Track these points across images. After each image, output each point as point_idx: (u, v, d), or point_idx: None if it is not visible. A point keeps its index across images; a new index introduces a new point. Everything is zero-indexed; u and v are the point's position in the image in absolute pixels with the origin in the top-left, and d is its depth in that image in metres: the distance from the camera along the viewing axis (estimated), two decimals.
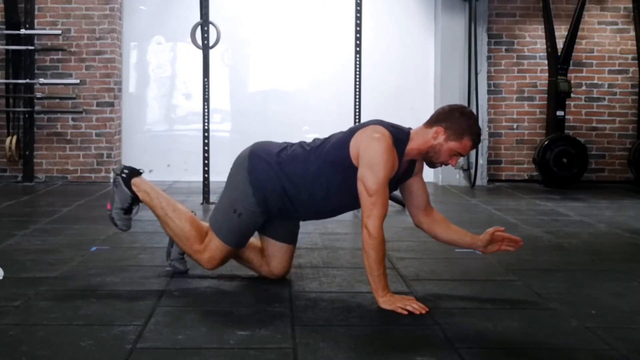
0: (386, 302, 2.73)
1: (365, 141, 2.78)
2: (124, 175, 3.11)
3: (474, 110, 7.06)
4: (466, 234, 3.02)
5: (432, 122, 2.85)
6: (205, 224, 3.11)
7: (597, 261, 3.71)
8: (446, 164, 2.88)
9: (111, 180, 3.14)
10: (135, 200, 3.12)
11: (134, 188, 3.10)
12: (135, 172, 3.13)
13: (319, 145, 2.94)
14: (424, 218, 3.03)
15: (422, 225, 3.04)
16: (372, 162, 2.74)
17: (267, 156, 2.96)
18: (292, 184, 2.92)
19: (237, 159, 3.07)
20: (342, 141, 2.87)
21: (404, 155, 2.84)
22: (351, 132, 2.88)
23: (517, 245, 2.96)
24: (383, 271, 2.75)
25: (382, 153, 2.73)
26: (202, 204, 5.53)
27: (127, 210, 3.13)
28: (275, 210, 3.00)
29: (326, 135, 3.02)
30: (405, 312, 2.66)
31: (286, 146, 2.99)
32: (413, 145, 2.84)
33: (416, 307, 2.69)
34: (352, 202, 2.93)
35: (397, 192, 3.07)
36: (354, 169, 2.80)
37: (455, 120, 2.81)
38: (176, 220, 3.05)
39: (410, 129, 2.89)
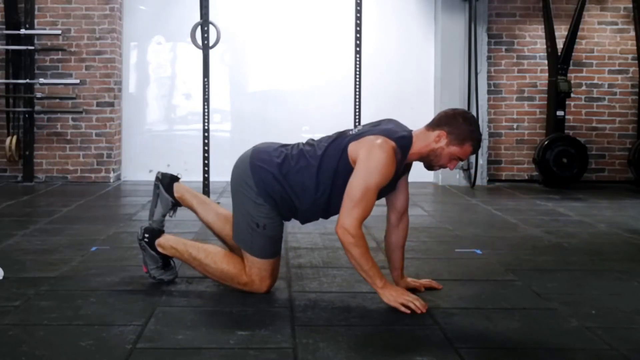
0: (386, 295, 2.72)
1: (366, 147, 2.76)
2: (146, 240, 3.08)
3: (474, 111, 7.06)
4: (399, 267, 3.01)
5: (435, 125, 2.85)
6: (238, 254, 3.02)
7: (597, 261, 3.71)
8: (444, 167, 2.90)
9: (138, 244, 3.13)
10: (166, 258, 3.09)
11: (159, 249, 3.07)
12: (156, 234, 3.09)
13: (322, 154, 2.87)
14: (393, 220, 3.00)
15: (388, 224, 3.02)
16: (368, 167, 2.71)
17: (269, 167, 2.89)
18: (296, 193, 2.89)
19: (235, 170, 2.98)
20: (342, 147, 2.84)
21: (407, 158, 2.84)
22: (353, 137, 2.84)
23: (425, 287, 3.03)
24: (372, 264, 2.73)
25: (382, 162, 2.71)
26: None
27: (164, 266, 3.10)
28: (283, 213, 2.98)
29: (325, 135, 3.00)
30: (408, 311, 2.66)
31: (286, 155, 2.91)
32: (415, 148, 2.84)
33: (418, 305, 2.68)
34: None
35: None
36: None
37: (459, 125, 2.81)
38: (212, 264, 2.98)
39: (411, 131, 2.90)
